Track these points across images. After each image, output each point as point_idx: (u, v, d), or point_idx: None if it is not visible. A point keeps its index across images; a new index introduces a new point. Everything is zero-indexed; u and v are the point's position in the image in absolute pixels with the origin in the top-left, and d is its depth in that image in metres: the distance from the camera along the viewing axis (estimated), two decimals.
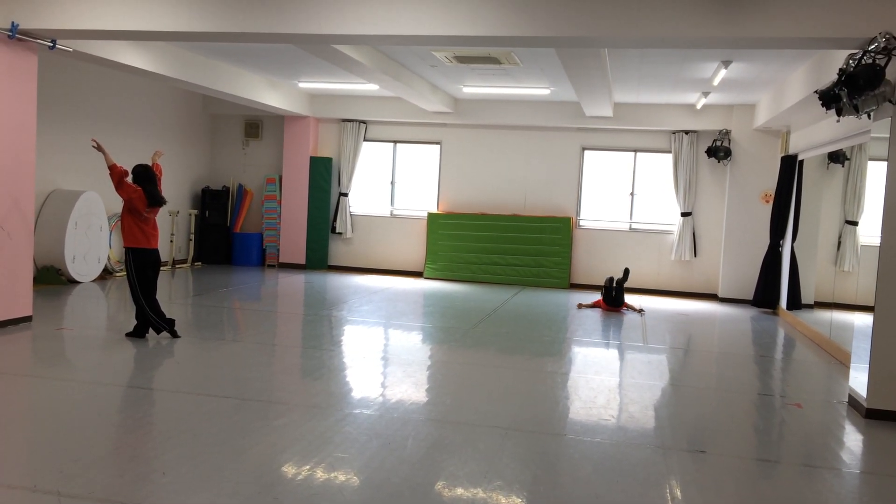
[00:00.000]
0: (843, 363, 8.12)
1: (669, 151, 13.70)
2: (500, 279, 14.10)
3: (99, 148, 7.66)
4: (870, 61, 5.72)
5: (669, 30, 6.31)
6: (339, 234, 14.98)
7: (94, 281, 11.53)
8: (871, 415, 6.08)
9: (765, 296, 12.17)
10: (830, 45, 6.55)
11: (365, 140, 14.91)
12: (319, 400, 5.89)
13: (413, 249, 14.79)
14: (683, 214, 13.50)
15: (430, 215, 14.46)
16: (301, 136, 14.74)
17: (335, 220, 14.93)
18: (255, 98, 12.44)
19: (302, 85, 13.22)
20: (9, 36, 7.44)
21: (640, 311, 11.25)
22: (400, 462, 4.58)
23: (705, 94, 11.52)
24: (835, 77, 6.12)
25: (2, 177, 7.68)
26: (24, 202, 8.02)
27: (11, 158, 7.78)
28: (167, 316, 7.79)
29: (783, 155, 12.07)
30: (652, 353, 8.54)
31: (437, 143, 14.74)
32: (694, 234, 13.56)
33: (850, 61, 5.93)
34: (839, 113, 6.31)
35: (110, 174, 7.50)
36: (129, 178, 7.58)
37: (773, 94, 11.06)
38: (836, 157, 10.31)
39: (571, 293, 13.25)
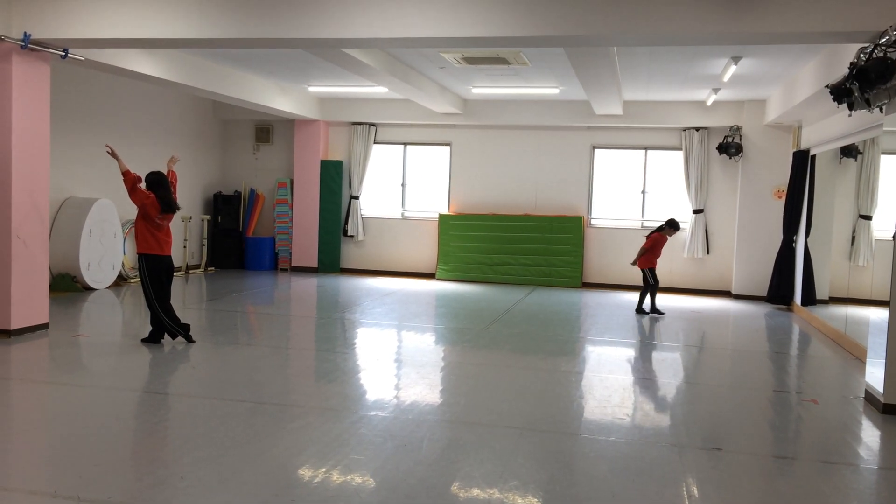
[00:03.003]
0: (859, 359, 8.06)
1: (680, 149, 13.65)
2: (512, 279, 14.10)
3: (113, 154, 7.74)
4: (881, 54, 5.69)
5: (679, 26, 6.30)
6: (351, 236, 15.02)
7: (108, 287, 11.61)
8: (889, 410, 6.04)
9: (779, 292, 12.11)
10: (841, 39, 6.52)
11: (375, 142, 14.94)
12: (334, 402, 5.91)
13: (425, 251, 14.81)
14: (695, 212, 13.45)
15: (442, 216, 14.48)
16: (311, 139, 14.80)
17: (347, 222, 14.97)
18: (266, 103, 12.50)
19: (311, 89, 13.28)
20: (21, 46, 7.51)
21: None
22: (416, 463, 4.59)
23: (715, 90, 11.48)
24: (846, 71, 6.08)
25: (17, 185, 7.75)
26: (40, 210, 8.09)
27: (26, 167, 7.86)
28: (182, 321, 7.84)
29: (795, 150, 12.01)
30: (666, 350, 8.51)
31: (447, 144, 14.75)
32: (706, 231, 13.51)
33: (861, 55, 5.90)
34: (851, 107, 6.27)
35: (124, 180, 7.58)
36: (143, 185, 7.65)
37: (783, 89, 11.00)
38: (849, 152, 10.24)
39: (584, 292, 13.23)
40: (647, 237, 11.08)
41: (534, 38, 6.65)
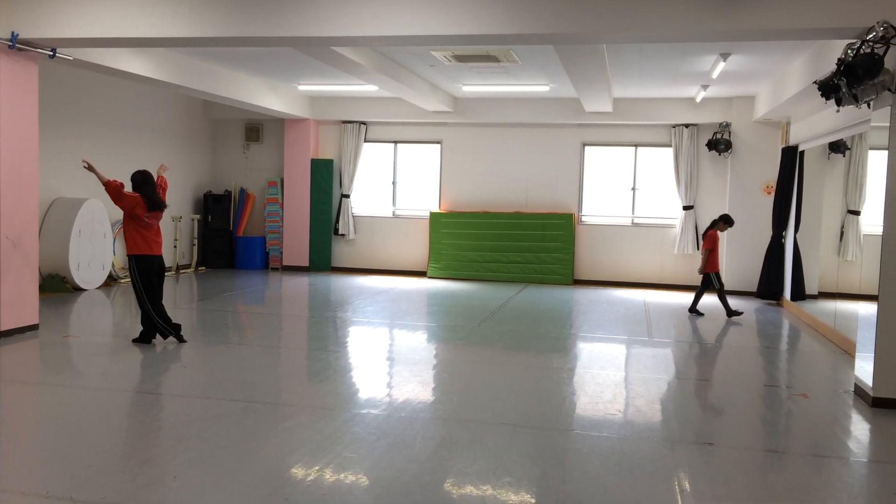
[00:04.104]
0: (848, 353, 8.12)
1: (670, 145, 13.70)
2: (503, 277, 14.12)
3: (90, 168, 7.56)
4: (868, 50, 5.73)
5: (669, 24, 6.32)
6: (342, 235, 15.00)
7: (98, 288, 11.56)
8: (878, 403, 6.09)
9: (768, 287, 12.18)
10: (829, 36, 6.56)
11: (365, 141, 14.93)
12: (327, 401, 5.91)
13: (416, 249, 14.81)
14: (685, 208, 13.51)
15: (433, 215, 14.48)
16: (302, 138, 14.77)
17: (337, 221, 14.95)
18: (256, 102, 12.47)
19: (302, 87, 13.25)
20: (9, 46, 7.47)
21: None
22: (409, 461, 4.60)
23: (704, 87, 11.52)
24: (834, 67, 6.12)
25: (5, 186, 7.71)
26: (29, 211, 8.05)
27: (14, 168, 7.81)
28: (173, 321, 7.82)
29: (784, 146, 12.08)
30: (657, 346, 8.55)
31: (437, 142, 14.76)
32: (696, 227, 13.55)
33: (849, 51, 5.94)
34: (839, 103, 6.31)
35: (106, 190, 7.43)
36: (127, 188, 7.56)
37: (772, 85, 11.06)
38: (837, 147, 10.31)
39: (575, 289, 13.26)
40: (704, 238, 10.72)
41: (524, 35, 6.66)
